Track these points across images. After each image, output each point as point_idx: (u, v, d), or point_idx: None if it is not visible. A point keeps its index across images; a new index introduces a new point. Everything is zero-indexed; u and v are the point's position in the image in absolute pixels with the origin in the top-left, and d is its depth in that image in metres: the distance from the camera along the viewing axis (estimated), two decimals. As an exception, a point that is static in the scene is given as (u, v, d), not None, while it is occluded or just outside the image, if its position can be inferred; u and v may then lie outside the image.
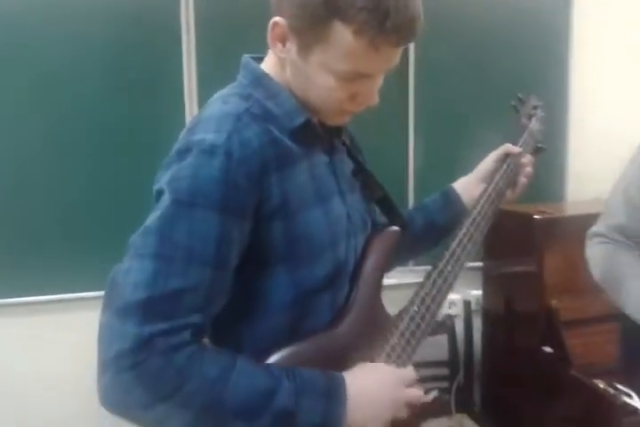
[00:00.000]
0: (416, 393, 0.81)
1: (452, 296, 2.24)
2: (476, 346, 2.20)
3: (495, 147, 1.15)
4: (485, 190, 1.05)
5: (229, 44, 1.88)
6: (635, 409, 1.60)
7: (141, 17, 1.88)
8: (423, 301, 0.89)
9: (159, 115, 1.89)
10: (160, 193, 0.73)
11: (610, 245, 1.36)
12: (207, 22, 1.92)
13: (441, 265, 0.92)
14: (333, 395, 0.74)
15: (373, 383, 0.78)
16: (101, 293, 0.70)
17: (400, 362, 0.85)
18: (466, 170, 1.13)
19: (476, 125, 2.12)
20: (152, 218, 0.71)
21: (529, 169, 1.11)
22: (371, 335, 0.85)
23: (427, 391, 0.89)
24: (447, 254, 0.93)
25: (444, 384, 2.11)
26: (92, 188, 1.88)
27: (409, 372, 0.83)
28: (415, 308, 0.88)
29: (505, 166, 1.08)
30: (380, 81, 0.81)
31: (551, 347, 1.79)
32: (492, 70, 2.23)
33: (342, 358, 0.81)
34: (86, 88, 1.85)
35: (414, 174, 2.16)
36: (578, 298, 1.81)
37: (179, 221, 0.69)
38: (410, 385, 0.82)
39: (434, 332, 2.04)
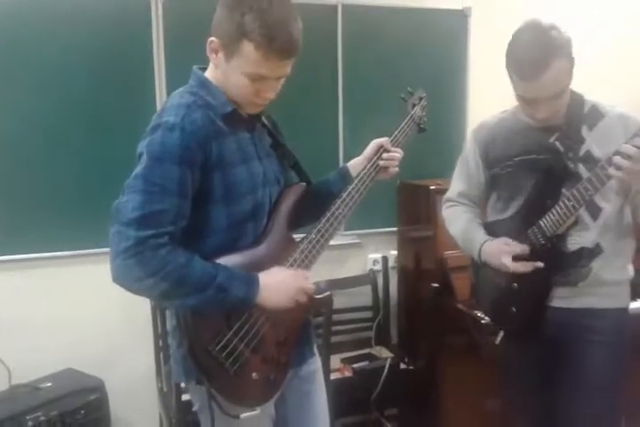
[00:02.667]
0: (308, 284, 1.27)
1: (374, 255, 2.71)
2: (392, 293, 2.67)
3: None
4: (361, 170, 1.43)
5: (195, 43, 2.28)
6: (498, 329, 2.12)
7: (117, 22, 2.23)
8: (319, 231, 1.33)
9: (133, 102, 2.27)
10: (140, 155, 1.18)
11: (457, 207, 1.76)
12: (174, 25, 2.28)
13: (331, 211, 1.35)
14: (252, 281, 1.21)
15: (279, 276, 1.24)
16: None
17: (301, 268, 1.29)
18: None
19: (391, 110, 2.54)
20: (138, 169, 1.16)
21: (396, 159, 1.46)
22: (280, 252, 1.30)
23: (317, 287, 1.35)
24: (334, 205, 1.35)
25: (368, 324, 2.60)
26: (82, 161, 2.25)
27: (304, 272, 1.30)
28: (313, 235, 1.33)
29: (376, 155, 1.45)
30: (278, 82, 1.25)
31: (442, 287, 2.28)
32: (406, 71, 2.64)
33: (261, 266, 1.26)
34: (73, 81, 2.20)
35: (343, 149, 2.58)
36: None
37: (154, 169, 1.14)
38: (305, 279, 1.27)
39: (359, 283, 2.55)
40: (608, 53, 2.92)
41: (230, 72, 1.21)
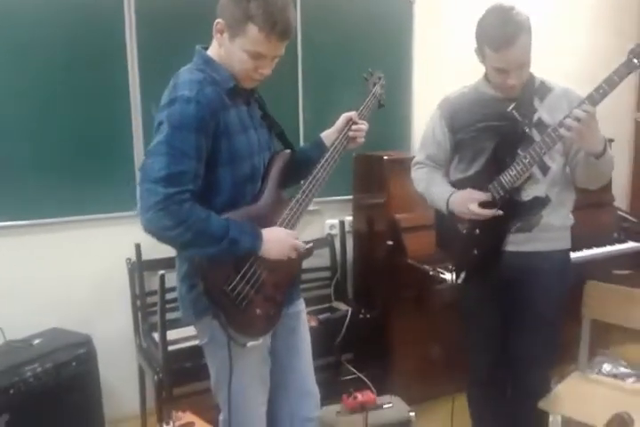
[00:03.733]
0: (299, 242, 1.52)
1: (331, 221, 2.98)
2: (349, 255, 2.95)
3: (357, 105, 1.71)
4: (334, 140, 1.65)
5: (167, 32, 2.44)
6: (442, 279, 2.46)
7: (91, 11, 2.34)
8: (304, 192, 1.57)
9: (107, 77, 2.43)
10: (160, 123, 1.38)
11: (425, 168, 2.01)
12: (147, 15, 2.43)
13: (312, 176, 1.58)
14: (257, 235, 1.44)
15: (278, 234, 1.48)
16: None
17: (289, 226, 1.54)
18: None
19: (346, 90, 2.62)
20: (160, 136, 1.36)
21: (363, 130, 1.68)
22: (274, 208, 1.54)
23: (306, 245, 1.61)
24: (315, 171, 1.58)
25: (327, 282, 2.89)
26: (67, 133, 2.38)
27: (294, 232, 1.54)
28: (299, 195, 1.56)
29: (347, 126, 1.67)
30: (273, 61, 1.47)
31: (394, 245, 2.59)
32: (360, 52, 2.87)
33: (260, 220, 1.49)
34: (53, 59, 2.31)
35: (303, 125, 2.82)
36: (412, 213, 2.59)
37: (175, 136, 1.35)
38: (295, 238, 1.52)
39: (319, 246, 2.84)
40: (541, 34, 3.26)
41: (234, 50, 1.42)
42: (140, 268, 2.54)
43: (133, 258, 2.54)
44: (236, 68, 1.44)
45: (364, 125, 1.70)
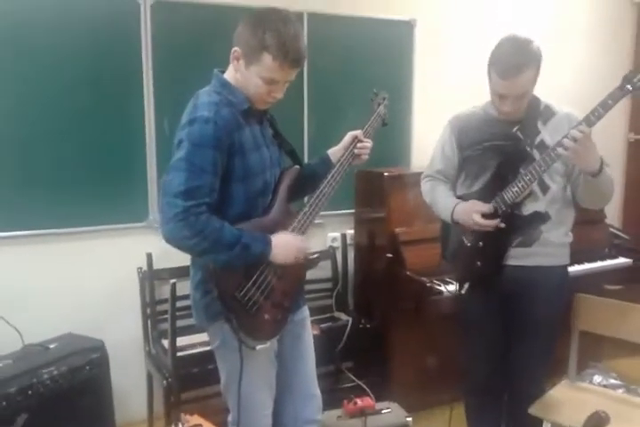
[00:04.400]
0: (306, 246, 1.64)
1: (333, 234, 3.10)
2: (350, 267, 3.07)
3: (360, 124, 1.81)
4: (341, 157, 1.75)
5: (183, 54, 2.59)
6: (439, 291, 2.57)
7: (109, 22, 2.49)
8: (311, 206, 1.69)
9: (121, 95, 2.57)
10: (180, 142, 1.50)
11: (434, 181, 2.12)
12: (162, 32, 2.58)
13: (319, 190, 1.69)
14: (267, 241, 1.56)
15: (286, 238, 1.60)
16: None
17: (302, 232, 1.66)
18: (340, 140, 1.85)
19: (348, 109, 2.85)
20: (180, 153, 1.48)
21: (367, 148, 1.78)
22: (283, 220, 1.66)
23: (312, 254, 1.73)
24: (322, 186, 1.69)
25: (329, 293, 3.00)
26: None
27: (302, 237, 1.66)
28: (307, 208, 1.68)
29: (352, 144, 1.78)
30: (285, 86, 1.60)
31: (394, 258, 2.70)
32: (362, 74, 3.01)
33: (269, 230, 1.61)
34: (75, 78, 2.46)
35: (308, 143, 2.95)
36: (411, 227, 2.72)
37: (195, 153, 1.47)
38: (303, 243, 1.64)
39: (322, 258, 2.95)
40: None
41: (249, 76, 1.54)
42: (150, 277, 2.65)
43: (144, 267, 2.66)
44: (250, 91, 1.57)
45: (368, 143, 1.80)
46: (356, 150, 1.78)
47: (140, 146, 2.63)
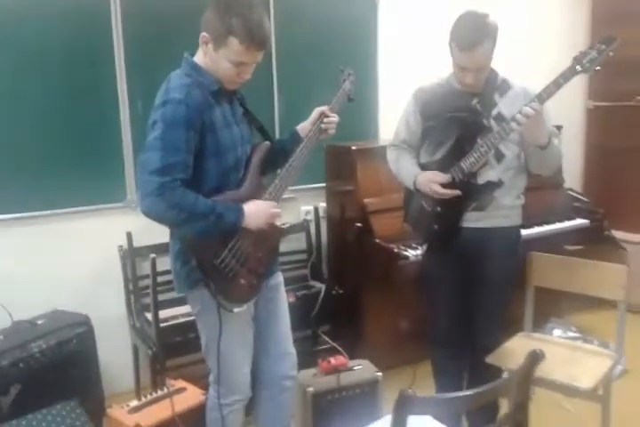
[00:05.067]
0: (276, 210, 1.76)
1: (306, 207, 3.22)
2: (323, 238, 3.21)
3: (328, 100, 1.91)
4: (308, 132, 1.86)
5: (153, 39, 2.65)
6: (406, 256, 2.73)
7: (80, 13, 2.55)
8: (281, 178, 1.80)
9: (97, 88, 2.65)
10: (154, 122, 1.60)
11: (398, 150, 2.26)
12: (133, 17, 2.63)
13: (289, 163, 1.81)
14: (239, 208, 1.67)
15: (257, 205, 1.72)
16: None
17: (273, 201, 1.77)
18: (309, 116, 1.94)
19: (317, 86, 2.88)
20: (155, 133, 1.58)
21: (334, 122, 1.89)
22: (255, 193, 1.77)
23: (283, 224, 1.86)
24: (291, 159, 1.81)
25: (304, 264, 3.14)
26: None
27: (273, 202, 1.77)
28: (277, 181, 1.80)
29: (319, 119, 1.88)
30: (253, 67, 1.69)
31: (363, 227, 2.85)
32: (328, 51, 3.09)
33: (242, 202, 1.72)
34: (48, 62, 2.52)
35: (279, 119, 3.04)
36: (380, 197, 2.84)
37: (168, 133, 1.58)
38: (274, 209, 1.76)
39: (295, 231, 3.10)
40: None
41: (218, 59, 1.64)
42: (131, 254, 2.77)
43: (125, 245, 2.77)
44: (220, 73, 1.67)
45: (335, 118, 1.91)
46: (323, 125, 1.88)
47: (115, 128, 2.71)
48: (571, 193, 3.70)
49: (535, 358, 1.38)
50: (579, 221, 3.34)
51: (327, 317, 2.85)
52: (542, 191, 3.20)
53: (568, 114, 3.89)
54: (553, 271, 2.33)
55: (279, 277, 1.98)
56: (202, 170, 1.67)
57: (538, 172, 2.12)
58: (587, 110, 4.14)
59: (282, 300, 1.98)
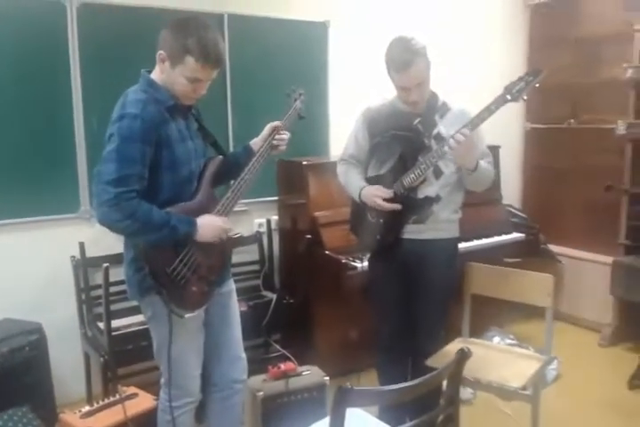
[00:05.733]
0: (227, 225, 1.85)
1: (259, 220, 3.32)
2: (275, 250, 3.32)
3: (280, 117, 2.01)
4: (260, 147, 1.95)
5: (110, 54, 2.73)
6: (354, 267, 2.86)
7: (35, 22, 2.60)
8: (233, 191, 1.90)
9: (52, 100, 2.70)
10: (111, 136, 1.68)
11: (347, 165, 2.41)
12: (89, 33, 2.70)
13: (241, 177, 1.90)
14: (192, 222, 1.77)
15: (209, 219, 1.81)
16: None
17: (225, 214, 1.86)
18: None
19: (269, 103, 2.81)
20: (111, 146, 1.66)
21: (285, 139, 2.00)
22: (208, 204, 1.86)
23: (235, 234, 1.97)
24: (243, 173, 1.91)
25: (256, 275, 3.24)
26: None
27: (225, 218, 1.88)
28: (229, 194, 1.89)
29: (271, 136, 1.98)
30: (208, 83, 1.79)
31: (313, 239, 2.97)
32: (281, 70, 3.23)
33: (195, 214, 1.81)
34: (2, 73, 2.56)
35: (232, 135, 3.14)
36: (330, 210, 2.98)
37: (124, 146, 1.66)
38: (225, 224, 1.86)
39: (248, 242, 3.20)
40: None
41: (174, 76, 1.73)
42: (83, 264, 2.80)
43: (78, 255, 2.80)
44: (176, 89, 1.76)
45: (285, 135, 2.01)
46: (274, 142, 1.98)
47: (69, 141, 2.76)
48: (509, 209, 3.95)
49: (463, 355, 1.53)
50: (515, 235, 3.57)
51: (278, 325, 2.95)
52: (481, 207, 3.42)
53: (507, 134, 4.17)
54: (488, 280, 2.51)
55: (231, 285, 2.07)
56: (157, 182, 1.74)
57: (471, 188, 2.30)
58: (524, 131, 4.42)
59: (234, 307, 2.07)
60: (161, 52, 1.73)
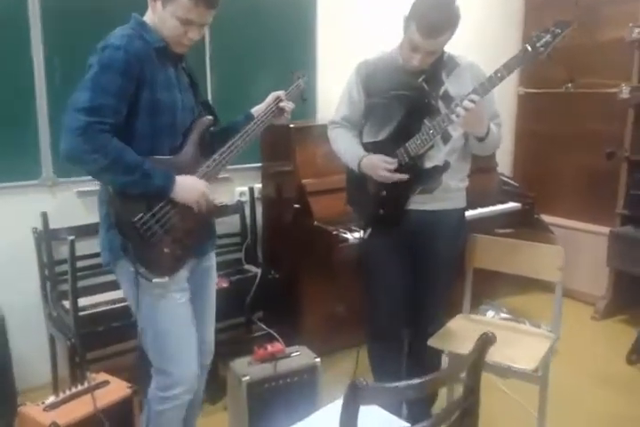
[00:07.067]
0: (209, 192, 1.63)
1: (241, 188, 3.08)
2: (258, 220, 3.07)
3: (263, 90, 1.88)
4: (260, 113, 1.79)
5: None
6: (345, 239, 2.65)
7: None
8: (221, 154, 1.68)
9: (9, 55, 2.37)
10: (91, 66, 1.50)
11: (340, 128, 2.14)
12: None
13: (232, 141, 1.70)
14: (170, 176, 1.56)
15: (191, 181, 1.61)
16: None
17: (210, 176, 1.65)
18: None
19: (253, 71, 2.87)
20: (89, 74, 1.48)
21: (288, 108, 1.84)
22: (191, 164, 1.65)
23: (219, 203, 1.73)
24: (236, 137, 1.70)
25: (238, 247, 3.00)
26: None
27: (207, 183, 1.64)
28: (217, 156, 1.68)
29: (273, 103, 1.82)
30: (202, 28, 1.59)
31: (301, 208, 2.74)
32: (265, 31, 2.96)
33: (176, 171, 1.60)
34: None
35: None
36: (318, 178, 2.74)
37: (102, 75, 1.47)
38: (207, 189, 1.63)
39: (229, 213, 2.94)
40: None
41: (166, 16, 1.57)
42: (47, 236, 2.52)
43: (40, 227, 2.52)
44: (167, 32, 1.59)
45: (291, 104, 1.85)
46: (277, 108, 1.82)
47: (29, 100, 2.45)
48: (502, 177, 3.76)
49: (487, 341, 1.33)
50: (511, 205, 3.39)
51: (262, 302, 2.73)
52: (476, 175, 3.18)
53: (499, 99, 3.90)
54: (492, 253, 2.32)
55: (212, 260, 1.86)
56: (133, 127, 1.56)
57: (477, 153, 2.08)
58: (517, 96, 4.20)
59: (211, 285, 1.88)
60: None
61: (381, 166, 1.96)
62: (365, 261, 2.21)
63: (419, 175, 1.98)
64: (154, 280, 1.58)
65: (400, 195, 2.03)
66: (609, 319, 3.49)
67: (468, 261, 2.35)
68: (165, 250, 1.59)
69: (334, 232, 2.59)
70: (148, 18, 1.63)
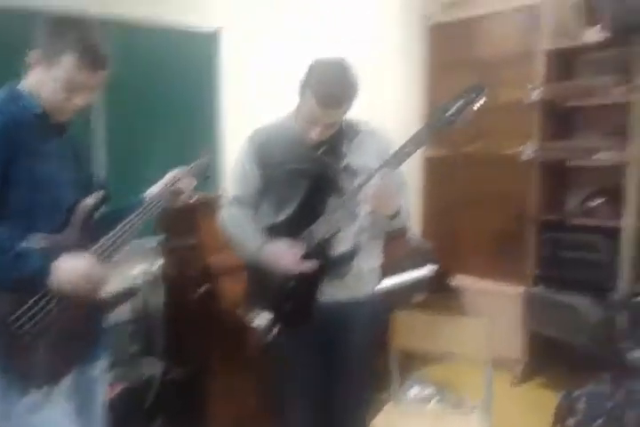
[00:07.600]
0: (99, 275, 1.37)
1: (135, 270, 2.70)
2: (158, 305, 2.70)
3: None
4: (158, 192, 1.59)
5: None
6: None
7: None
8: (115, 233, 1.44)
9: None
10: None
11: (233, 209, 1.87)
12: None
13: (128, 219, 1.48)
14: (47, 258, 1.30)
15: (72, 262, 1.35)
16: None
17: (101, 260, 1.40)
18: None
19: (153, 147, 2.64)
20: None
21: (189, 185, 1.63)
22: (77, 243, 1.40)
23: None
24: (132, 215, 1.49)
25: (134, 336, 2.59)
26: None
27: (97, 264, 1.37)
28: (110, 234, 1.43)
29: (170, 183, 1.61)
30: (88, 93, 1.44)
31: (208, 291, 2.41)
32: (166, 113, 2.75)
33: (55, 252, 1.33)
34: None
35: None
36: (227, 253, 2.39)
37: None
38: (95, 270, 1.36)
39: (125, 299, 2.51)
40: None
41: (47, 80, 1.41)
42: None
43: None
44: (49, 98, 1.43)
45: (190, 182, 1.64)
46: (173, 189, 1.62)
47: None
48: (413, 239, 3.65)
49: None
50: (428, 269, 3.30)
51: (163, 408, 2.32)
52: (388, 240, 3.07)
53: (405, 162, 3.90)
54: (416, 331, 2.17)
55: (103, 366, 1.59)
56: (6, 201, 1.36)
57: (385, 230, 1.91)
58: (424, 159, 4.21)
59: (100, 398, 1.60)
60: (33, 51, 1.43)
61: (288, 255, 1.69)
62: (275, 366, 1.93)
63: (327, 263, 1.75)
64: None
65: (310, 284, 1.77)
66: (529, 382, 3.39)
67: (392, 344, 2.15)
68: (41, 355, 1.33)
69: (246, 318, 2.28)
70: (25, 84, 1.46)
